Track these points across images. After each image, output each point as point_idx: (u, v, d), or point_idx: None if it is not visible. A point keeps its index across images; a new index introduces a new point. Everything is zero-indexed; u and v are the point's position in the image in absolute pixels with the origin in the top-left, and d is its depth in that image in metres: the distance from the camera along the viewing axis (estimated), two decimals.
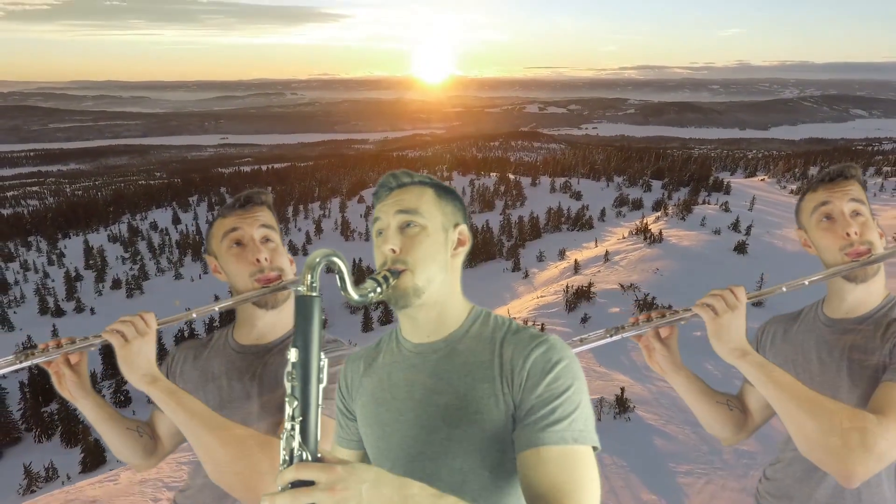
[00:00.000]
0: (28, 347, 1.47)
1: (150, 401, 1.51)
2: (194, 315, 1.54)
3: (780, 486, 1.73)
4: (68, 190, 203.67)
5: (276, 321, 1.64)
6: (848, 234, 1.55)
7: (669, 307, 1.63)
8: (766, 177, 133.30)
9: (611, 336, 1.56)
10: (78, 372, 1.50)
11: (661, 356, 1.61)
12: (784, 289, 1.55)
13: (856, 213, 1.58)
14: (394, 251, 1.20)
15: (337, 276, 0.98)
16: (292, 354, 0.89)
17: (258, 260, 1.58)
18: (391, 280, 1.15)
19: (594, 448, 1.11)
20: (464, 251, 1.28)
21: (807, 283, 1.56)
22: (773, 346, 1.76)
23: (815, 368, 1.62)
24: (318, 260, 0.93)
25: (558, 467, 1.06)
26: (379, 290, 1.12)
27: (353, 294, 1.03)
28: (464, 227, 1.28)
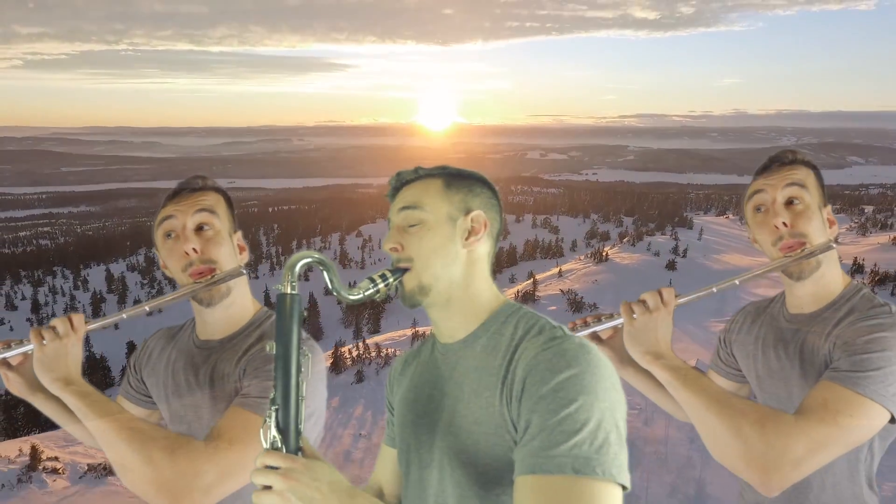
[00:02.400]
0: None
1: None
2: (124, 316, 1.46)
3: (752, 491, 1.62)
4: (79, 230, 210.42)
5: (227, 316, 1.53)
6: (776, 227, 1.44)
7: (611, 315, 1.53)
8: (731, 214, 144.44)
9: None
10: (21, 373, 1.47)
11: (609, 357, 1.51)
12: (714, 289, 1.49)
13: (791, 201, 1.45)
14: (395, 249, 1.14)
15: (326, 277, 0.99)
16: (272, 348, 0.93)
17: (187, 252, 1.45)
18: (390, 278, 1.10)
19: (623, 487, 0.92)
20: (480, 238, 1.17)
21: (737, 282, 1.49)
22: (739, 336, 1.69)
23: (773, 364, 1.54)
24: (298, 260, 0.95)
25: (551, 501, 0.89)
26: (373, 288, 1.08)
27: (344, 294, 1.03)
28: (478, 213, 1.17)
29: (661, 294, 1.42)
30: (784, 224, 1.43)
